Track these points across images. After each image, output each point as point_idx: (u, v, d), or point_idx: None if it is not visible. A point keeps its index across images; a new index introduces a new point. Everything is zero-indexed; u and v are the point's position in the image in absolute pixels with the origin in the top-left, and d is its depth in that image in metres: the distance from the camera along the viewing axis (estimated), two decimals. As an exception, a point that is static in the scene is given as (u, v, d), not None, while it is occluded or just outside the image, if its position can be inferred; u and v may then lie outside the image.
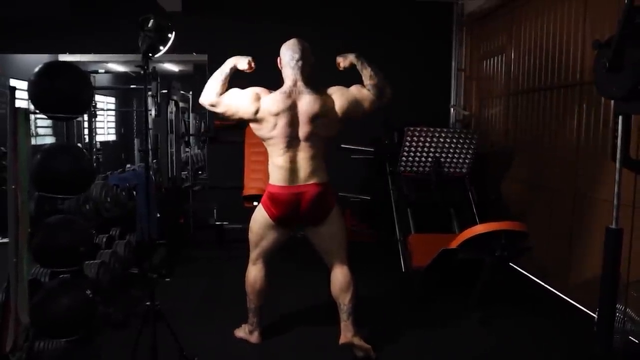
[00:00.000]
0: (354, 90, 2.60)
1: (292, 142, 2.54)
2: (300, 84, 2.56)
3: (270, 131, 2.54)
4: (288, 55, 2.56)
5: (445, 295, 3.61)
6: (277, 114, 2.51)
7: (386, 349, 2.81)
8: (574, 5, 3.58)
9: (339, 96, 2.58)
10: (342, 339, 2.69)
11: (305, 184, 2.56)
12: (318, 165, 2.59)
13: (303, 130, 2.54)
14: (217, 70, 2.61)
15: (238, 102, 2.57)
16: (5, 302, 2.28)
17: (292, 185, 2.56)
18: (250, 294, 2.80)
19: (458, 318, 3.23)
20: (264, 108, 2.53)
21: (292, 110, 2.52)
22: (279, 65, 2.64)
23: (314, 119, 2.53)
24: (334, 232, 2.69)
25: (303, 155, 2.56)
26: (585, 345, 2.67)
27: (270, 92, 2.57)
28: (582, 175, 3.50)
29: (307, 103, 2.53)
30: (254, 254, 2.79)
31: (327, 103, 2.55)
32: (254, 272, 2.78)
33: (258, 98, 2.55)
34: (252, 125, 2.60)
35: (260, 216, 2.70)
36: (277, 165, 2.58)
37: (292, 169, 2.56)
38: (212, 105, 2.62)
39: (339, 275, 2.71)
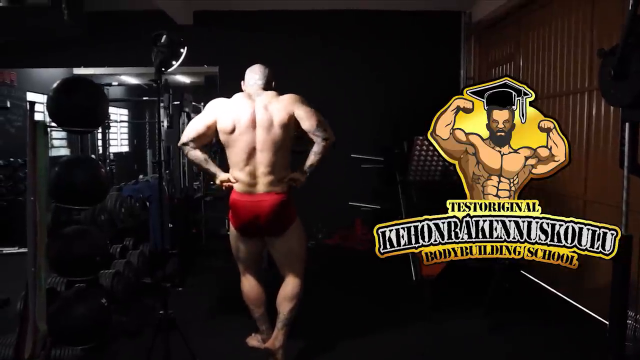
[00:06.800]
0: (301, 111, 2.51)
1: (252, 151, 2.48)
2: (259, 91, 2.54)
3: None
4: (248, 78, 2.58)
5: (456, 303, 3.60)
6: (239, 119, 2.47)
7: (399, 356, 2.82)
8: (581, 14, 3.60)
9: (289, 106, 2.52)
10: (269, 344, 2.66)
11: (264, 193, 2.50)
12: (278, 176, 2.51)
13: (260, 138, 2.47)
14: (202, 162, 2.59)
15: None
16: (24, 310, 2.34)
17: (251, 194, 2.51)
18: (249, 304, 2.79)
19: (470, 325, 3.22)
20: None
21: (251, 116, 2.47)
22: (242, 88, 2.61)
23: (270, 126, 2.46)
24: (291, 247, 2.65)
25: (261, 165, 2.48)
26: (597, 353, 2.65)
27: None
28: (592, 181, 3.50)
29: (262, 110, 2.48)
30: (239, 266, 2.78)
31: (281, 111, 2.48)
32: (245, 284, 2.77)
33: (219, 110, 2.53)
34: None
35: (232, 228, 2.69)
36: (237, 175, 2.53)
37: (251, 178, 2.50)
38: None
39: (289, 285, 2.68)
